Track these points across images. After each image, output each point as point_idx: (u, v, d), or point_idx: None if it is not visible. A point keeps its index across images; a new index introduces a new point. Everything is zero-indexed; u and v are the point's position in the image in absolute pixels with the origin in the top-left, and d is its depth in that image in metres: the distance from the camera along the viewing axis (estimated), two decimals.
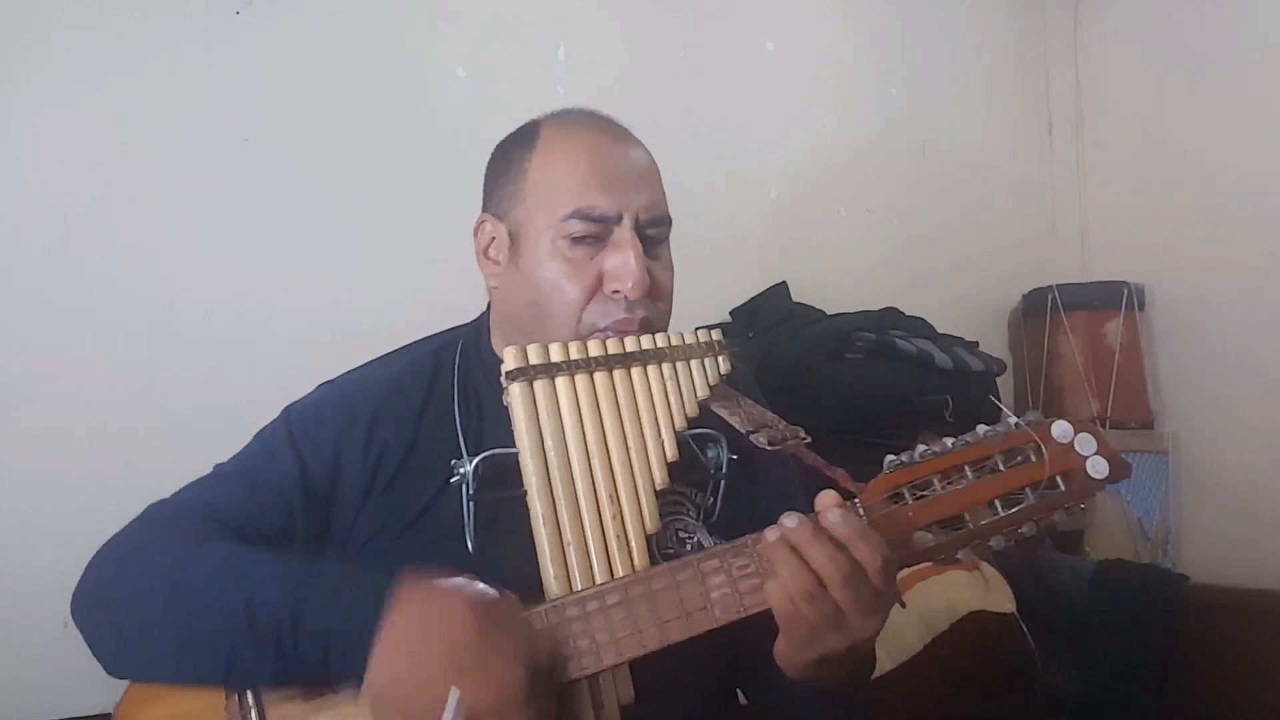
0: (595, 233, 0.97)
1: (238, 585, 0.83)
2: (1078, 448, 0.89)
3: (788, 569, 0.81)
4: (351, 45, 1.66)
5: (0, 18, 1.36)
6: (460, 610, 0.79)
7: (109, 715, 0.92)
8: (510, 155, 1.04)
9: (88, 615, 0.90)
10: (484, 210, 1.06)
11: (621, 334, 0.96)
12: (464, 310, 1.13)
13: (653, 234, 1.00)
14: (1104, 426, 2.57)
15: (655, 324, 1.00)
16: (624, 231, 0.97)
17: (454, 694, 0.75)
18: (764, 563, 0.84)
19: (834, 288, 2.26)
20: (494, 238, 1.04)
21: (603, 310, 0.97)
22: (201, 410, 1.44)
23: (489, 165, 1.07)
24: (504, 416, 0.93)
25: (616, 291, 0.97)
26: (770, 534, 0.83)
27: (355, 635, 0.79)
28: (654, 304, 1.00)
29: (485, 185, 1.07)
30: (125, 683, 0.90)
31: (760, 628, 0.86)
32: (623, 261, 0.96)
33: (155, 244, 1.46)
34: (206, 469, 1.00)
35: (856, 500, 0.87)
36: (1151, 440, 2.67)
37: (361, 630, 0.79)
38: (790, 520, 0.82)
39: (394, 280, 1.65)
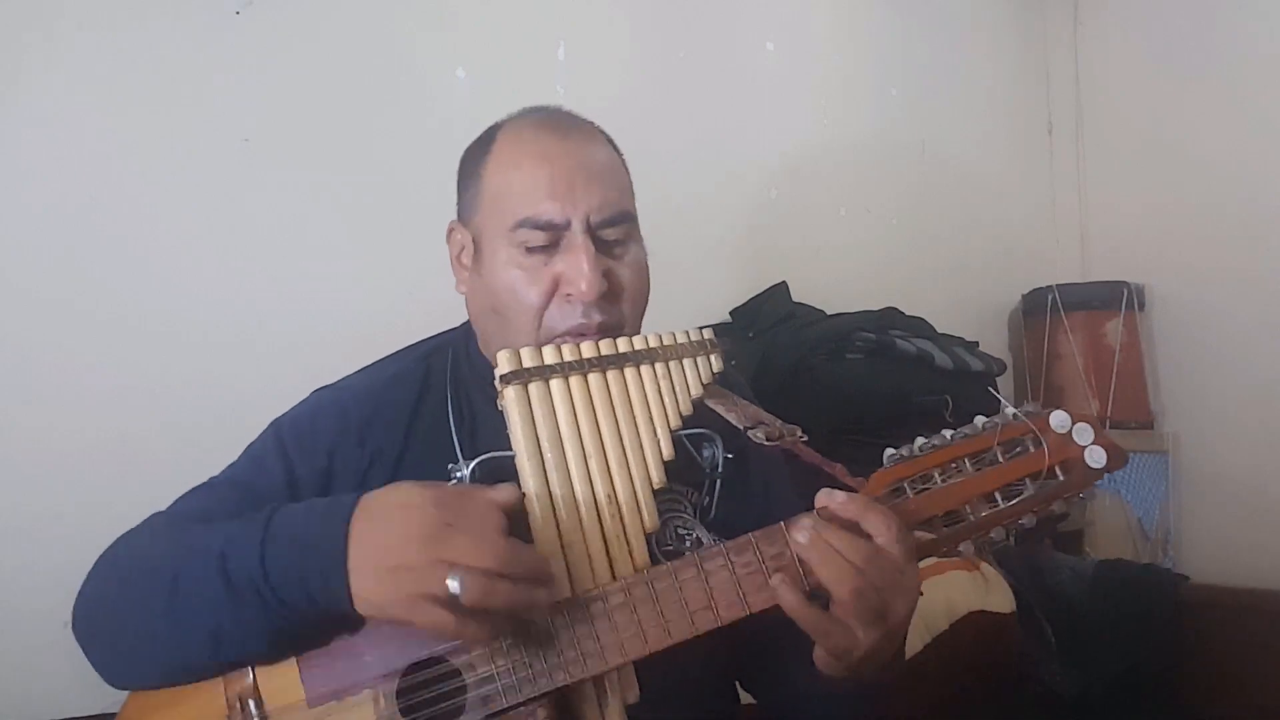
0: (546, 240, 0.96)
1: (208, 554, 0.83)
2: (1076, 437, 0.89)
3: (828, 569, 0.82)
4: (351, 45, 1.66)
5: (0, 18, 1.36)
6: (413, 495, 0.80)
7: (109, 716, 0.92)
8: (471, 160, 1.03)
9: (85, 628, 0.90)
10: (456, 216, 1.06)
11: (580, 338, 0.95)
12: (462, 311, 1.13)
13: (610, 234, 0.98)
14: (1104, 427, 2.57)
15: (617, 325, 0.98)
16: (574, 235, 0.96)
17: (453, 583, 0.75)
18: (796, 565, 0.85)
19: (834, 288, 2.26)
20: (463, 245, 1.04)
21: (560, 314, 0.96)
22: (201, 410, 1.44)
23: (458, 170, 1.06)
24: (498, 420, 0.93)
25: (570, 295, 0.96)
26: (800, 535, 0.84)
27: (326, 553, 0.79)
28: (614, 305, 0.98)
29: (456, 190, 1.07)
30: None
31: (766, 624, 0.86)
32: (574, 265, 0.95)
33: (155, 244, 1.46)
34: (206, 469, 1.00)
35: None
36: (1151, 440, 2.68)
37: (330, 547, 0.79)
38: (803, 533, 0.84)
39: (393, 280, 1.65)
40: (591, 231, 0.96)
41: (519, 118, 1.04)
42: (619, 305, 0.99)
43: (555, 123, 1.01)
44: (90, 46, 1.42)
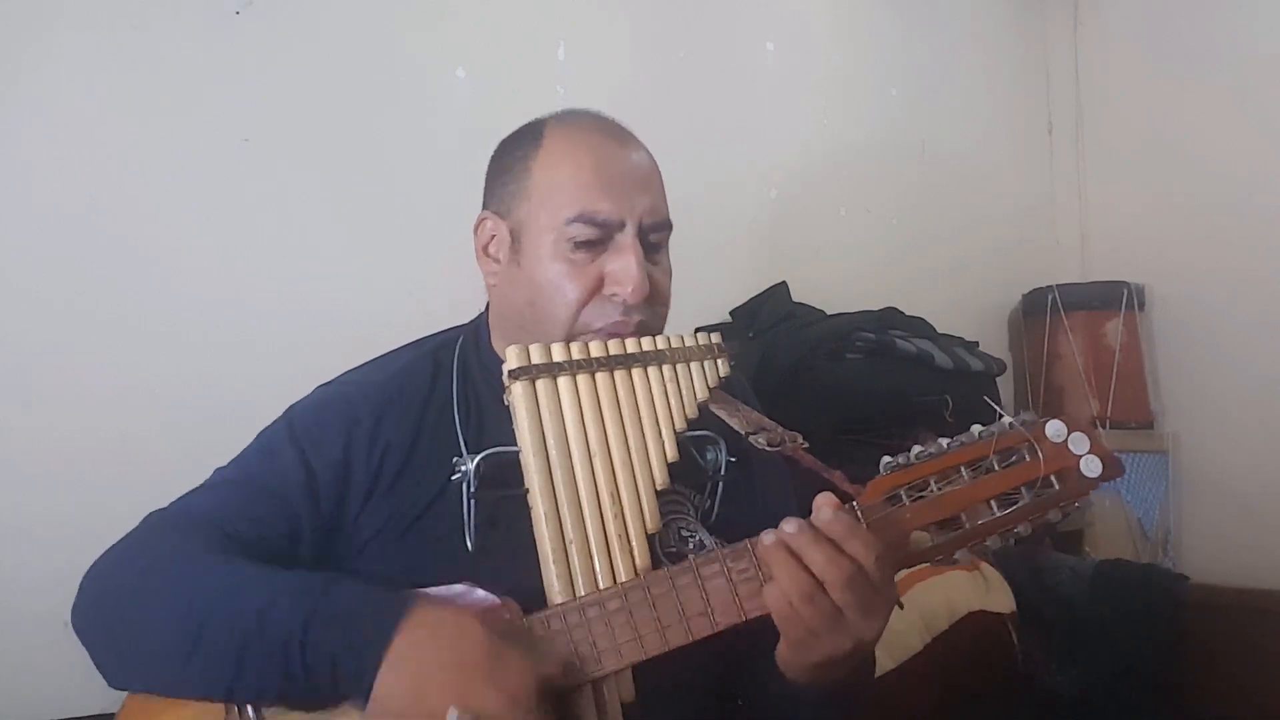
0: (598, 236, 0.97)
1: (250, 596, 0.83)
2: (1071, 447, 0.89)
3: (786, 572, 0.82)
4: (351, 45, 1.66)
5: (0, 18, 1.36)
6: (470, 630, 0.80)
7: (109, 715, 0.92)
8: (514, 154, 1.03)
9: (89, 626, 0.89)
10: (484, 207, 1.06)
11: (615, 336, 0.97)
12: (463, 310, 1.13)
13: (654, 239, 1.01)
14: (1104, 426, 2.57)
15: (651, 328, 1.00)
16: (626, 236, 0.98)
17: (452, 713, 0.75)
18: (763, 566, 0.85)
19: (834, 288, 2.26)
20: (494, 235, 1.04)
21: (599, 312, 0.98)
22: (201, 410, 1.44)
23: (491, 162, 1.07)
24: (503, 415, 0.93)
25: (615, 295, 0.97)
26: (767, 537, 0.84)
27: (365, 651, 0.79)
28: (651, 308, 1.00)
29: (487, 182, 1.07)
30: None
31: (754, 631, 0.86)
32: (624, 266, 0.97)
33: (155, 244, 1.46)
34: (206, 469, 1.00)
35: (854, 503, 0.88)
36: (1151, 440, 2.67)
37: (371, 646, 0.79)
38: (790, 525, 0.83)
39: (394, 280, 1.65)
40: (641, 235, 0.99)
41: (569, 117, 1.05)
42: (656, 307, 1.01)
43: (608, 127, 1.04)
44: (90, 46, 1.42)
